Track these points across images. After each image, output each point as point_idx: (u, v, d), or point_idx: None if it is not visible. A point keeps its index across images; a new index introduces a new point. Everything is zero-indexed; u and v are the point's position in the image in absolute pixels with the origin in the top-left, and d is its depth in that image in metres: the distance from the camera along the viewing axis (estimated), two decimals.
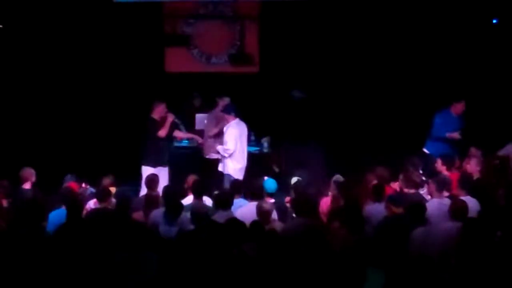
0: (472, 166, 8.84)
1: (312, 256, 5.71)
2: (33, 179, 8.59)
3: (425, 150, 10.16)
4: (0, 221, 7.16)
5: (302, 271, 5.51)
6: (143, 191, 8.87)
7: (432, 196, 7.85)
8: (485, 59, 11.37)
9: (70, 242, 6.27)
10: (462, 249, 5.99)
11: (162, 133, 9.77)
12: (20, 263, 5.89)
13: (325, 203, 8.08)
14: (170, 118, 9.83)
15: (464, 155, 9.32)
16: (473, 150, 9.27)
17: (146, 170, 9.52)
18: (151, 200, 7.91)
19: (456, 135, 10.07)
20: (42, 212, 7.07)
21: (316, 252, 5.80)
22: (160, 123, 9.78)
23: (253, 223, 6.64)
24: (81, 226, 6.79)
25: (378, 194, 7.72)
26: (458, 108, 10.20)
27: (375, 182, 8.11)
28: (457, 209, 6.78)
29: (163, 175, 9.73)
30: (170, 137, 10.17)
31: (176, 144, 10.80)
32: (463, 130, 10.13)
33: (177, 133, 10.43)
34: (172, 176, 9.87)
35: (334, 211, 7.36)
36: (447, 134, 10.08)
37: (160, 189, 8.56)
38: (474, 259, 5.74)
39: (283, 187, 8.99)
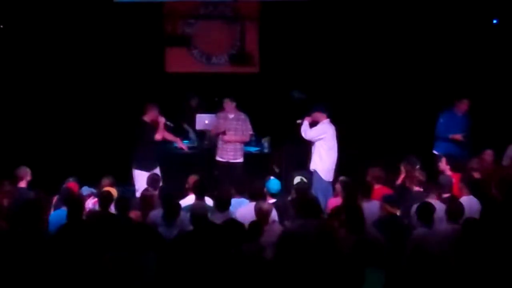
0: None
1: (318, 257, 5.70)
2: (29, 178, 8.58)
3: (434, 151, 10.08)
4: (0, 221, 7.17)
5: (302, 272, 5.51)
6: (139, 194, 8.76)
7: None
8: (485, 60, 11.36)
9: (70, 242, 6.28)
10: (461, 250, 5.99)
11: (159, 136, 9.58)
12: (21, 263, 5.90)
13: (333, 203, 7.95)
14: (162, 120, 9.64)
15: (472, 155, 9.29)
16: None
17: (140, 174, 9.41)
18: (147, 200, 7.91)
19: (459, 136, 10.03)
20: (42, 212, 7.09)
21: (323, 254, 5.79)
22: (152, 126, 9.58)
23: (252, 223, 6.63)
24: (81, 226, 6.79)
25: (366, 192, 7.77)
26: (461, 107, 10.19)
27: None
28: (454, 211, 6.78)
29: None
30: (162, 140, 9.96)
31: (175, 144, 10.77)
32: (468, 130, 10.10)
33: (167, 135, 9.99)
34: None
35: (333, 211, 7.34)
36: (450, 136, 10.06)
37: None
38: (474, 259, 5.74)
39: (283, 187, 8.96)
